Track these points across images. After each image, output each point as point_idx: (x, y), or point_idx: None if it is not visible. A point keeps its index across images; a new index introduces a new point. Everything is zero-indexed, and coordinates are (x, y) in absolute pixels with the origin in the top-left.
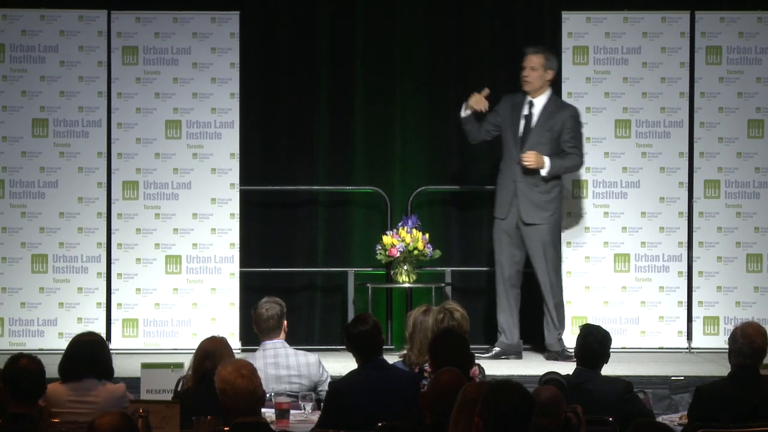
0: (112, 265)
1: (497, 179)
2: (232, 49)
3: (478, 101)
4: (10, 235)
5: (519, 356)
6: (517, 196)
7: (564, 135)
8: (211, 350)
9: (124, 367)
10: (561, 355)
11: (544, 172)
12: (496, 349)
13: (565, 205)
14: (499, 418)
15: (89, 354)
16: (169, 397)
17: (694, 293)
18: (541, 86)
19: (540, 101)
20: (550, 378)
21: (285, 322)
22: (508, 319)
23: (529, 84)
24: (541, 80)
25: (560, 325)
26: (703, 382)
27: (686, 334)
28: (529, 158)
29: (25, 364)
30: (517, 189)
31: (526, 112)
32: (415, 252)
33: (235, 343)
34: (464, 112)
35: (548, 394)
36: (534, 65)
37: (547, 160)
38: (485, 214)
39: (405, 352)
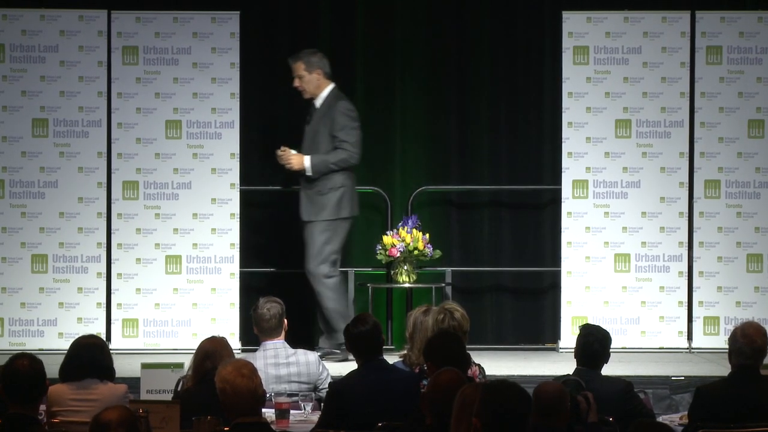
0: (112, 265)
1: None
2: (233, 49)
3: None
4: (10, 235)
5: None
6: (300, 195)
7: (333, 131)
8: (212, 350)
9: (124, 367)
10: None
11: (308, 172)
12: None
13: (565, 205)
14: (496, 418)
15: (90, 357)
16: (169, 397)
17: (694, 293)
18: (316, 88)
19: (319, 101)
20: (569, 379)
21: (285, 321)
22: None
23: (304, 92)
24: (313, 83)
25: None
26: (703, 382)
27: (686, 334)
28: (288, 160)
29: (23, 365)
30: (300, 189)
31: (309, 115)
32: (416, 252)
33: (235, 343)
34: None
35: (552, 390)
36: (299, 73)
37: (307, 159)
38: (486, 214)
39: (405, 352)
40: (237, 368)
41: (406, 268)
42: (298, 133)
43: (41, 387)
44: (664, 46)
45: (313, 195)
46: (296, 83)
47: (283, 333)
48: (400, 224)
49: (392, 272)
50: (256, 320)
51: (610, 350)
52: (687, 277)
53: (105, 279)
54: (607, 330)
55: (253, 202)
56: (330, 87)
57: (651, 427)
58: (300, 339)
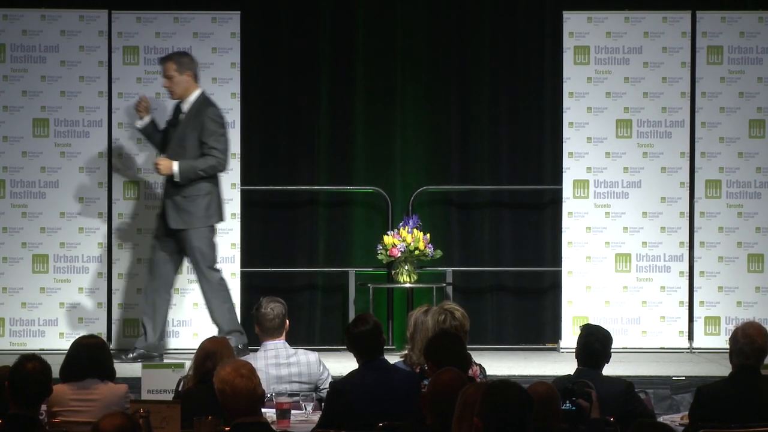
0: (113, 265)
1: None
2: (233, 49)
3: (147, 106)
4: (10, 235)
5: (161, 357)
6: (165, 202)
7: (202, 137)
8: (212, 350)
9: (124, 367)
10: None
11: (176, 178)
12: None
13: (566, 205)
14: (498, 418)
15: (90, 357)
16: (170, 397)
17: (695, 293)
18: (185, 90)
19: (187, 105)
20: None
21: (287, 322)
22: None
23: (173, 93)
24: (182, 85)
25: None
26: (704, 382)
27: (687, 334)
28: (158, 165)
29: (33, 368)
30: (165, 193)
31: (173, 117)
32: (416, 252)
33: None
34: (141, 123)
35: (543, 391)
36: (170, 74)
37: (175, 165)
38: (486, 214)
39: (406, 352)
40: (236, 368)
41: (406, 268)
42: (298, 133)
43: (46, 390)
44: (665, 46)
45: (180, 201)
46: (166, 83)
47: (284, 333)
48: (400, 224)
49: (393, 272)
50: (259, 320)
51: (611, 350)
52: (688, 277)
53: (106, 279)
54: (608, 330)
55: (254, 202)
56: (198, 91)
57: (652, 428)
58: (300, 339)
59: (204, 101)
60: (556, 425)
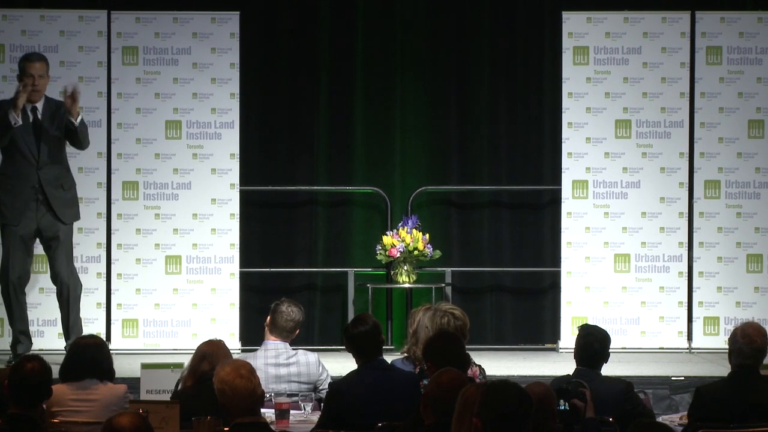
0: (112, 266)
1: (8, 186)
2: (232, 50)
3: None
4: None
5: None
6: (44, 202)
7: (68, 124)
8: (209, 352)
9: (123, 367)
10: None
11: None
12: None
13: (565, 206)
14: (497, 418)
15: (90, 357)
16: (168, 397)
17: (694, 293)
18: (43, 92)
19: (41, 105)
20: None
21: (298, 331)
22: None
23: (37, 93)
24: (46, 87)
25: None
26: (703, 382)
27: (686, 334)
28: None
29: (33, 368)
30: (45, 194)
31: (32, 118)
32: (415, 252)
33: (235, 343)
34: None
35: (539, 391)
36: (40, 73)
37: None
38: (486, 215)
39: (407, 347)
40: (235, 369)
41: (405, 268)
42: (297, 134)
43: (46, 390)
44: (664, 47)
45: (64, 195)
46: (36, 82)
47: (289, 339)
48: (400, 224)
49: (392, 272)
50: (274, 316)
51: (610, 350)
52: (687, 278)
53: (105, 279)
54: (607, 330)
55: (253, 203)
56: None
57: (651, 428)
58: (299, 339)
59: (51, 99)
60: (552, 425)
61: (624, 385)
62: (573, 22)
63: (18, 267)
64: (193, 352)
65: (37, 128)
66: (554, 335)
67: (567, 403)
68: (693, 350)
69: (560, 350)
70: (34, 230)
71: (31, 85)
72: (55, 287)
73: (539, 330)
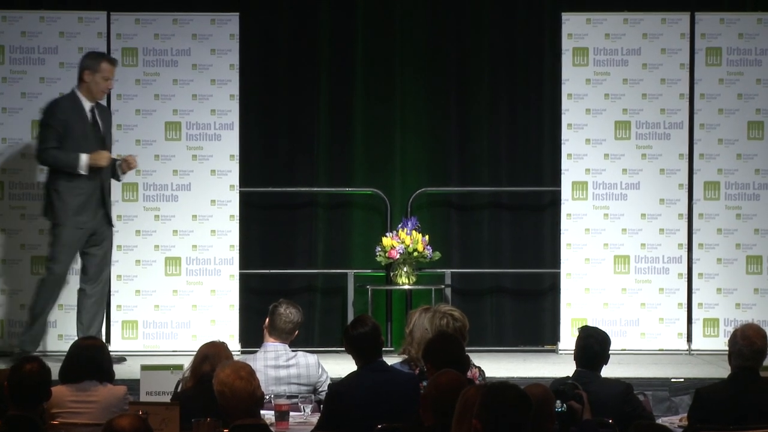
0: (112, 267)
1: (71, 186)
2: (232, 51)
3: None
4: (9, 236)
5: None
6: (101, 203)
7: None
8: (210, 353)
9: (123, 368)
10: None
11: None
12: None
13: (565, 207)
14: (496, 420)
15: (90, 359)
16: (168, 399)
17: (694, 295)
18: None
19: (98, 104)
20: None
21: (297, 332)
22: None
23: (105, 95)
24: None
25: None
26: (703, 384)
27: (686, 335)
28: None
29: (32, 369)
30: (103, 195)
31: (90, 117)
32: (415, 254)
33: (234, 345)
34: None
35: (537, 393)
36: (115, 77)
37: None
38: (485, 216)
39: (404, 347)
40: (235, 370)
41: (405, 269)
42: (297, 135)
43: (46, 392)
44: (664, 48)
45: (63, 194)
46: (111, 85)
47: (289, 341)
48: (399, 226)
49: (392, 274)
50: (273, 317)
51: (610, 352)
52: (686, 279)
53: None
54: (607, 332)
55: (253, 204)
56: None
57: (650, 429)
58: (299, 340)
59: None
60: (550, 427)
61: (624, 386)
62: (572, 23)
63: (67, 265)
64: (194, 353)
65: (96, 127)
66: (554, 337)
67: (564, 405)
68: (693, 352)
69: (560, 352)
70: (89, 231)
71: (108, 88)
72: (79, 285)
73: (539, 331)
